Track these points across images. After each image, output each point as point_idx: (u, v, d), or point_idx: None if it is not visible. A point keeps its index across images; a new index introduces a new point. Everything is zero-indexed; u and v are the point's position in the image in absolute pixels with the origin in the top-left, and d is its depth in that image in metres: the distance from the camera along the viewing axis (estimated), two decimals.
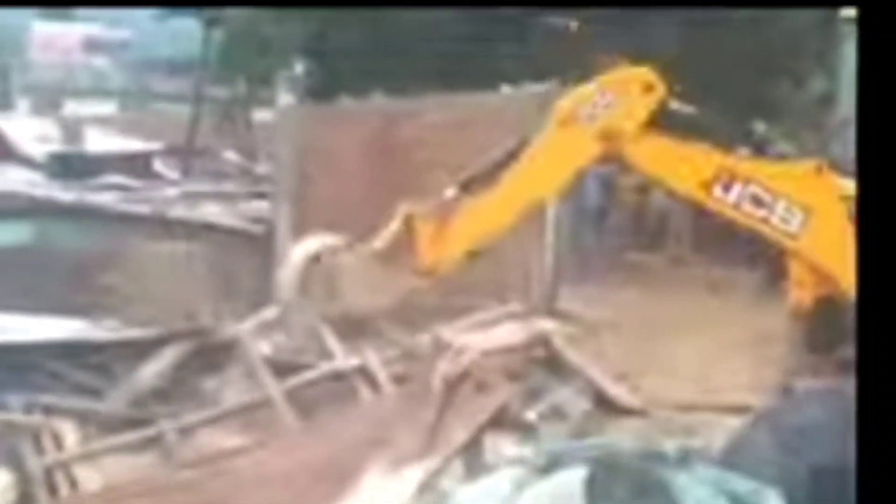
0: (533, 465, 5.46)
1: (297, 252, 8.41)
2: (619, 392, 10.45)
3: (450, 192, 8.22)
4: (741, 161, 8.15)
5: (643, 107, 7.96)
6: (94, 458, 10.01)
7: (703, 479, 5.15)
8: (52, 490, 9.71)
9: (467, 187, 8.31)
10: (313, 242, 8.33)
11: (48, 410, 10.31)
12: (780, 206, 7.88)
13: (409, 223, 8.20)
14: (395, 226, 8.22)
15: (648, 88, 7.98)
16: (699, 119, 8.39)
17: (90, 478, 9.83)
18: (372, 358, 10.89)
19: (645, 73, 8.05)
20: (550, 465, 5.43)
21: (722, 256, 19.18)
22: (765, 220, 7.94)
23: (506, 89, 15.26)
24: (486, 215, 8.27)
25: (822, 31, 18.50)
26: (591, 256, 17.82)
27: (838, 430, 6.30)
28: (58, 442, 10.06)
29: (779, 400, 8.67)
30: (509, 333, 10.68)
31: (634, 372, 11.36)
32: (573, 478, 5.21)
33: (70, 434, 10.15)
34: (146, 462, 10.13)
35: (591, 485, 5.15)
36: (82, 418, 10.38)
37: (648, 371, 11.46)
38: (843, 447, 6.19)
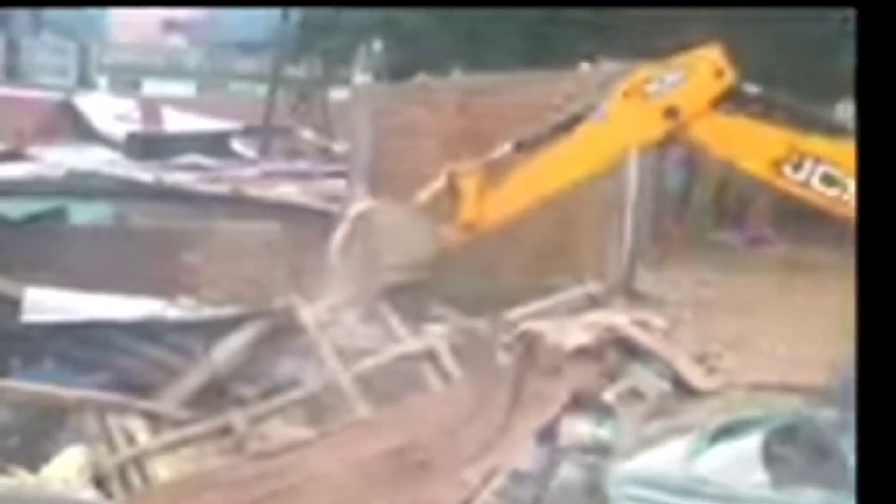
0: (704, 433, 5.46)
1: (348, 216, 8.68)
2: (695, 374, 10.32)
3: (499, 152, 8.32)
4: (811, 140, 8.05)
5: (711, 90, 7.90)
6: (165, 451, 10.01)
7: None
8: (126, 485, 9.74)
9: (521, 148, 8.31)
10: (359, 205, 8.49)
11: (120, 409, 10.30)
12: (853, 185, 7.75)
13: (452, 180, 8.39)
14: (438, 182, 8.45)
15: (719, 73, 7.90)
16: (770, 98, 8.28)
17: (161, 472, 9.84)
18: (438, 342, 10.81)
19: (717, 56, 7.97)
20: (721, 434, 5.45)
21: (803, 236, 18.96)
22: (838, 200, 7.81)
23: (584, 66, 15.12)
24: (539, 181, 8.26)
25: None
26: (671, 236, 17.67)
27: None
28: (130, 438, 10.08)
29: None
30: (581, 330, 10.55)
31: (713, 352, 11.22)
32: (750, 444, 5.24)
33: (141, 430, 10.17)
34: (217, 451, 10.10)
35: (769, 451, 5.18)
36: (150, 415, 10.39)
37: (727, 351, 11.32)
38: None
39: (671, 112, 7.86)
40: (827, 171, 7.82)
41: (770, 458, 5.25)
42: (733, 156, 8.17)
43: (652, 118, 7.94)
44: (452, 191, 8.41)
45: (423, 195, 8.46)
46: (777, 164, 7.87)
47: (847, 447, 5.13)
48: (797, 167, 7.84)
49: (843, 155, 7.84)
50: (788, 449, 5.27)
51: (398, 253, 8.68)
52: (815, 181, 7.84)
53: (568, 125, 8.20)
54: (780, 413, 5.71)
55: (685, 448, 5.56)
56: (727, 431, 5.54)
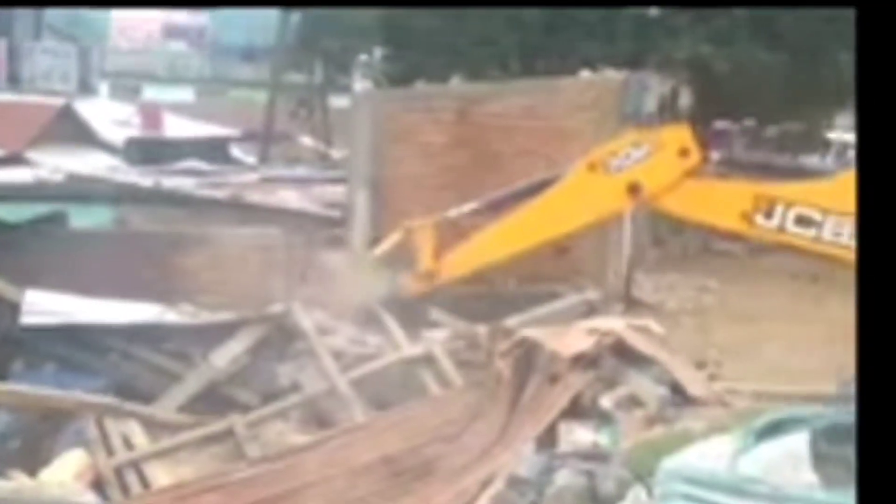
0: (750, 430, 5.50)
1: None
2: (693, 381, 10.31)
3: (455, 211, 8.79)
4: (780, 186, 8.12)
5: (676, 169, 8.01)
6: (163, 456, 10.01)
7: None
8: (124, 489, 9.72)
9: (485, 210, 8.69)
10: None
11: (118, 414, 10.27)
12: (831, 222, 7.77)
13: (408, 235, 9.11)
14: (394, 237, 9.24)
15: (684, 152, 8.00)
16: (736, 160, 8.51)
17: (160, 475, 9.83)
18: (438, 348, 10.79)
19: (685, 136, 8.07)
20: (767, 431, 5.49)
21: None
22: (816, 239, 7.86)
23: (585, 74, 15.14)
24: (503, 241, 8.61)
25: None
26: (672, 244, 17.66)
27: None
28: (128, 443, 10.07)
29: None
30: (580, 336, 10.57)
31: (713, 359, 11.22)
32: (798, 442, 5.28)
33: (138, 433, 10.16)
34: (215, 456, 10.09)
35: (817, 449, 5.21)
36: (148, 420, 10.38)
37: (727, 359, 11.32)
38: None
39: (634, 188, 8.03)
40: (800, 212, 7.87)
41: (818, 457, 5.28)
42: (705, 219, 8.32)
43: (616, 193, 8.16)
44: (410, 244, 8.99)
45: (380, 248, 9.17)
46: (747, 216, 7.95)
47: None
48: (768, 215, 7.91)
49: (816, 195, 7.89)
50: (837, 448, 5.29)
51: (351, 294, 9.92)
52: (790, 225, 7.91)
53: (534, 190, 8.49)
54: (826, 412, 5.76)
55: (731, 445, 5.60)
56: (774, 428, 5.58)
